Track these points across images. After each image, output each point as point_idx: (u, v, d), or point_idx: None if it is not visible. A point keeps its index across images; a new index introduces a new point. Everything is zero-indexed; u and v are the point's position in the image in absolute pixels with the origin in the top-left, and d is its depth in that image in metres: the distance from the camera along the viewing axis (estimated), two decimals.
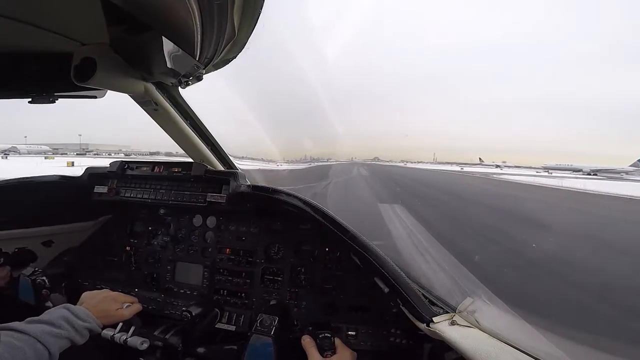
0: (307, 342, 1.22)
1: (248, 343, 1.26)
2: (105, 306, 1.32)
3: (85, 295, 1.37)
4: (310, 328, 1.36)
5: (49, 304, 1.56)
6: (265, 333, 1.27)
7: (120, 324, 1.38)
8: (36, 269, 1.62)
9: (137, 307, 1.44)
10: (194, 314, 1.41)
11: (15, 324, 0.98)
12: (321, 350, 1.19)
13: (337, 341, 1.24)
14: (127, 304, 1.41)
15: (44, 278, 1.57)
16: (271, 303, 1.64)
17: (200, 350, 1.49)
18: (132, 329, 1.40)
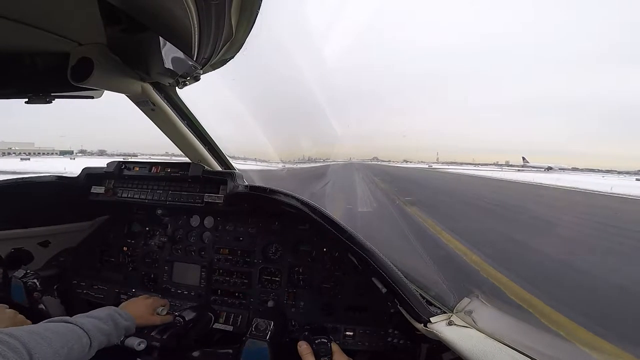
0: (304, 348, 1.20)
1: (243, 348, 1.26)
2: (142, 310, 1.38)
3: (125, 303, 1.41)
4: (307, 333, 1.36)
5: (41, 306, 1.55)
6: (261, 338, 1.27)
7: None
8: (28, 270, 1.60)
9: (168, 317, 1.45)
10: (187, 319, 1.40)
11: (66, 317, 1.02)
12: (317, 357, 1.17)
13: (334, 346, 1.22)
14: (161, 308, 1.44)
15: (35, 280, 1.56)
16: (269, 304, 1.63)
17: (196, 353, 1.48)
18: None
